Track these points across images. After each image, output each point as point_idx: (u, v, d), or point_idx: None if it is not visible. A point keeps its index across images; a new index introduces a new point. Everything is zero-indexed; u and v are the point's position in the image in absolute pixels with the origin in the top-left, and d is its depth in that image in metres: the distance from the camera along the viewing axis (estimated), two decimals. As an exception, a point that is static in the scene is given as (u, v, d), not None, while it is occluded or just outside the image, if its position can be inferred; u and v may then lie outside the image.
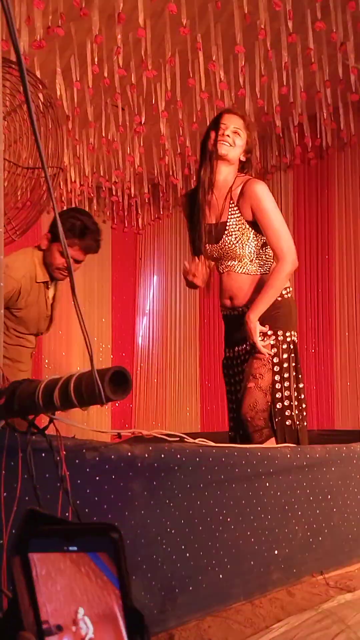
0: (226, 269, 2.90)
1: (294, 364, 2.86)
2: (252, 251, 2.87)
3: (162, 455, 1.88)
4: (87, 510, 1.63)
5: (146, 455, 1.83)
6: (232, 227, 2.85)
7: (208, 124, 4.88)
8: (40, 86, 2.07)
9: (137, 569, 1.76)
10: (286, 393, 2.79)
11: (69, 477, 1.51)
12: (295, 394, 2.83)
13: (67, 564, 0.70)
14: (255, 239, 2.86)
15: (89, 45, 4.26)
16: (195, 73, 4.40)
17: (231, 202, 2.85)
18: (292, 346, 2.86)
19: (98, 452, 1.72)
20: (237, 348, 2.94)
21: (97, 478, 1.70)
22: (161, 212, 7.60)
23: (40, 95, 2.04)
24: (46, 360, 7.12)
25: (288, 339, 2.85)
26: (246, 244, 2.86)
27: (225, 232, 2.85)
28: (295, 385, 2.83)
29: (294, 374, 2.84)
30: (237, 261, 2.88)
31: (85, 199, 7.07)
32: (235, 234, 2.85)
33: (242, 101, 4.71)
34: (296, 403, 2.82)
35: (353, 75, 4.34)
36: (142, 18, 3.84)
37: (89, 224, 2.99)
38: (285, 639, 1.79)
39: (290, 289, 2.95)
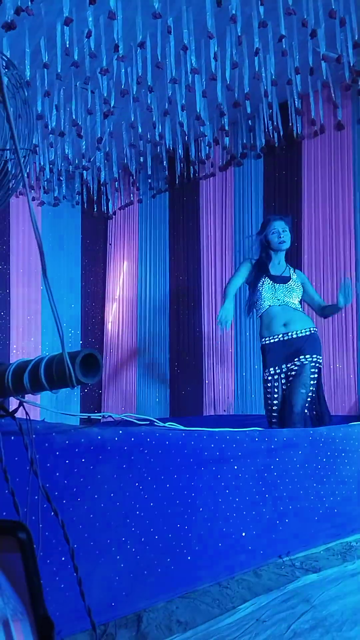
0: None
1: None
2: None
3: (132, 439, 1.89)
4: (56, 493, 1.64)
5: (116, 439, 1.84)
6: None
7: (179, 108, 4.90)
8: (10, 67, 2.05)
9: (106, 552, 1.78)
10: None
11: (38, 460, 1.52)
12: None
13: None
14: None
15: (59, 28, 4.20)
16: (166, 57, 4.37)
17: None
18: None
19: (68, 436, 1.73)
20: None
21: (67, 461, 1.70)
22: (132, 198, 7.56)
23: (11, 76, 2.01)
24: (14, 346, 7.07)
25: None
26: None
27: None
28: None
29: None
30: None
31: (54, 182, 7.01)
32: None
33: (214, 87, 4.71)
34: None
35: (324, 62, 4.35)
36: (114, 1, 3.81)
37: None
38: (252, 619, 1.82)
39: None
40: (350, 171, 5.42)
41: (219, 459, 2.19)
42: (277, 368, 4.08)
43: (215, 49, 4.29)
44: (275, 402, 4.07)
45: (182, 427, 2.15)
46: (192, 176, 6.57)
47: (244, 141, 6.04)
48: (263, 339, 4.20)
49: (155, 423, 2.08)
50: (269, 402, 4.13)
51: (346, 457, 2.79)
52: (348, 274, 5.35)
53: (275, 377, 4.09)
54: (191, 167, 6.46)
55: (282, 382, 4.06)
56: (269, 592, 2.04)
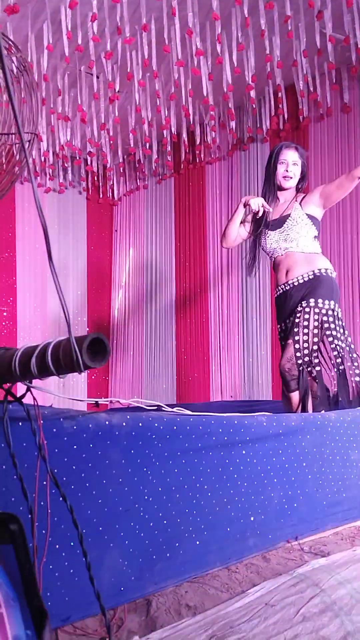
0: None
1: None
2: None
3: (140, 424, 1.89)
4: (64, 478, 1.63)
5: (124, 424, 1.84)
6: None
7: (184, 92, 4.86)
8: (14, 50, 2.03)
9: (115, 537, 1.78)
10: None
11: (46, 445, 1.51)
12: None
13: None
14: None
15: (63, 11, 4.17)
16: (171, 40, 4.33)
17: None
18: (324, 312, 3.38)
19: (75, 421, 1.72)
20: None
21: (75, 447, 1.70)
22: (137, 183, 7.53)
23: (14, 59, 2.00)
24: (21, 333, 7.08)
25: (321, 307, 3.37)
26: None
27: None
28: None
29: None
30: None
31: (59, 168, 6.99)
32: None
33: (219, 70, 4.66)
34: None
35: (330, 44, 4.31)
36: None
37: None
38: (260, 602, 1.82)
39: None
40: (357, 154, 5.38)
41: (227, 444, 2.18)
42: (280, 325, 3.54)
43: (220, 31, 4.24)
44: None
45: (190, 413, 2.14)
46: (197, 161, 6.54)
47: (250, 125, 6.00)
48: (274, 291, 3.63)
49: (163, 408, 2.07)
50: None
51: (354, 441, 2.78)
52: (355, 258, 5.32)
53: (281, 334, 3.54)
54: (197, 151, 6.43)
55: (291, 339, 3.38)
56: (277, 576, 2.04)
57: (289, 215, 3.47)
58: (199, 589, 1.92)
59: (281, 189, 3.53)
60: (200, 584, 1.96)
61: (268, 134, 5.90)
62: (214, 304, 6.60)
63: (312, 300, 3.34)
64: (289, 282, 3.44)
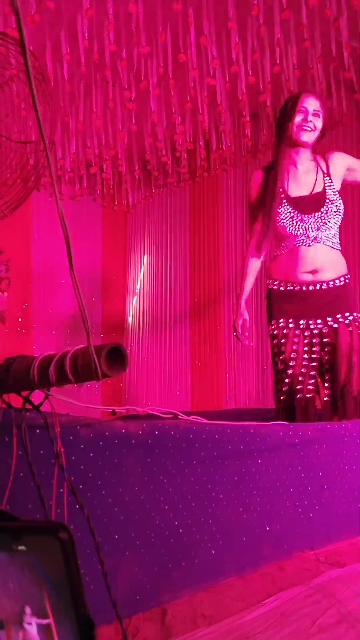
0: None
1: None
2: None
3: (156, 432, 1.89)
4: (81, 486, 1.63)
5: (140, 432, 1.84)
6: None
7: (200, 101, 4.87)
8: (33, 59, 2.05)
9: (131, 545, 1.78)
10: None
11: (63, 453, 1.51)
12: None
13: (12, 561, 0.67)
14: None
15: (79, 20, 4.19)
16: (187, 49, 4.34)
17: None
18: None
19: (92, 429, 1.72)
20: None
21: (92, 454, 1.70)
22: (152, 191, 7.55)
23: (32, 68, 2.01)
24: (35, 341, 7.11)
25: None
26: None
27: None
28: None
29: None
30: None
31: (75, 175, 7.01)
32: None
33: (235, 78, 4.67)
34: None
35: (346, 52, 4.30)
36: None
37: None
38: (276, 613, 1.81)
39: None
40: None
41: (243, 453, 2.17)
42: (290, 321, 2.92)
43: (236, 39, 4.25)
44: (284, 367, 2.92)
45: (205, 421, 2.14)
46: (212, 168, 6.54)
47: (265, 132, 5.99)
48: (273, 282, 2.95)
49: (179, 416, 2.07)
50: (277, 369, 2.97)
51: (371, 450, 2.77)
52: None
53: (285, 331, 2.92)
54: (211, 159, 6.43)
55: (298, 341, 2.91)
56: (293, 586, 2.03)
57: (324, 194, 2.81)
58: (214, 598, 1.91)
59: (295, 144, 2.84)
60: (216, 593, 1.95)
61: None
62: (227, 310, 6.60)
63: (347, 314, 2.91)
64: (317, 285, 2.90)
